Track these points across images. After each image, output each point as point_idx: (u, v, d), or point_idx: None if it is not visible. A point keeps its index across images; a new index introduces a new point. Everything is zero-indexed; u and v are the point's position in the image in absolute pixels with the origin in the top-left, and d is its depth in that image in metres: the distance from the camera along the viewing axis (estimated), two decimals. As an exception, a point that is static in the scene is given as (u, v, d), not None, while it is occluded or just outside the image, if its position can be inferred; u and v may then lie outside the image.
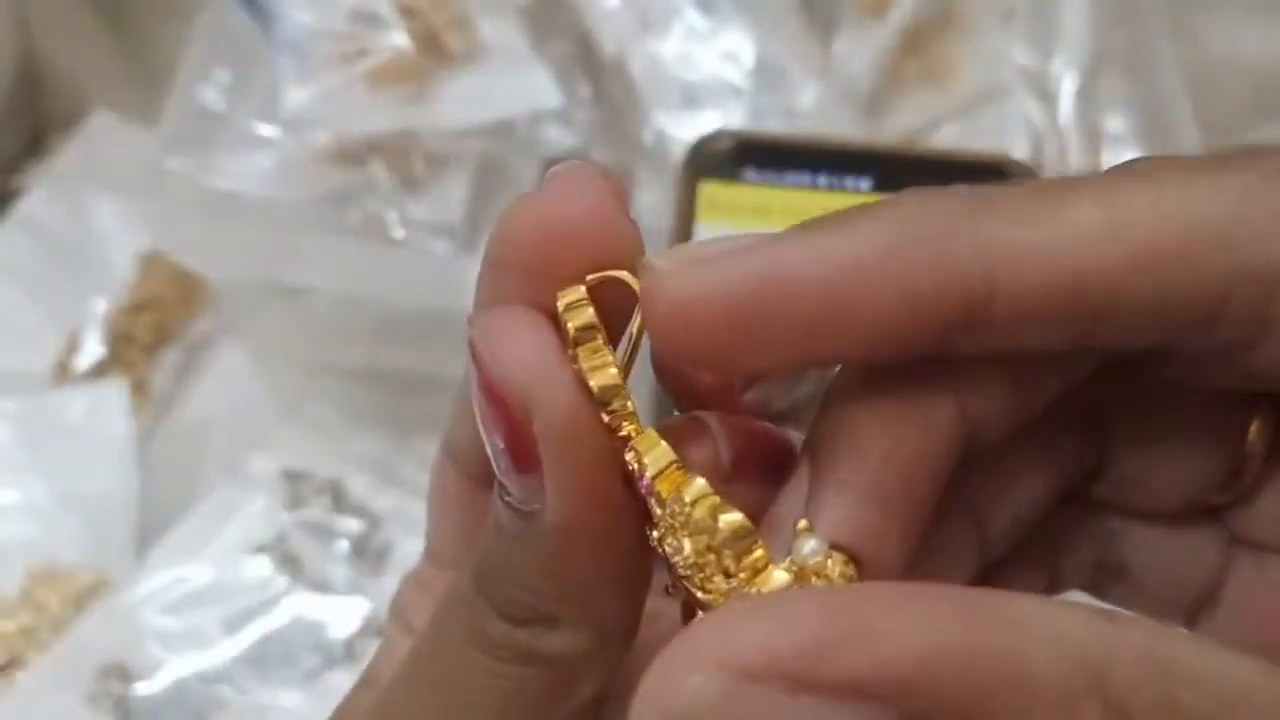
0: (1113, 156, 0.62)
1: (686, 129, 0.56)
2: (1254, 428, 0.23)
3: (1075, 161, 0.62)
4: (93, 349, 0.63)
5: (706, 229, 0.46)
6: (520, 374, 0.19)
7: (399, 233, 0.55)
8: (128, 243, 0.65)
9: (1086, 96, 0.63)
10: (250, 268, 0.56)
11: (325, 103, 0.57)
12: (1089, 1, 0.64)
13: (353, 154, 0.55)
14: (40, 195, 0.68)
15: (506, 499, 0.21)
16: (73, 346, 0.63)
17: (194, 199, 0.59)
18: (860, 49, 0.63)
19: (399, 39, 0.57)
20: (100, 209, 0.66)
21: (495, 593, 0.21)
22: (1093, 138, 0.63)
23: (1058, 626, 0.15)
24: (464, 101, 0.56)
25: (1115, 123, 0.63)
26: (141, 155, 0.63)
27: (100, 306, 0.64)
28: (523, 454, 0.19)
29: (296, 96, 0.59)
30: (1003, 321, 0.19)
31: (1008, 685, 0.15)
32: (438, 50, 0.57)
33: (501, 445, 0.20)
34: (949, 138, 0.59)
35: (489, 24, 0.58)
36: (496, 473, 0.20)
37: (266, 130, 0.59)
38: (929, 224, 0.19)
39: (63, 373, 0.63)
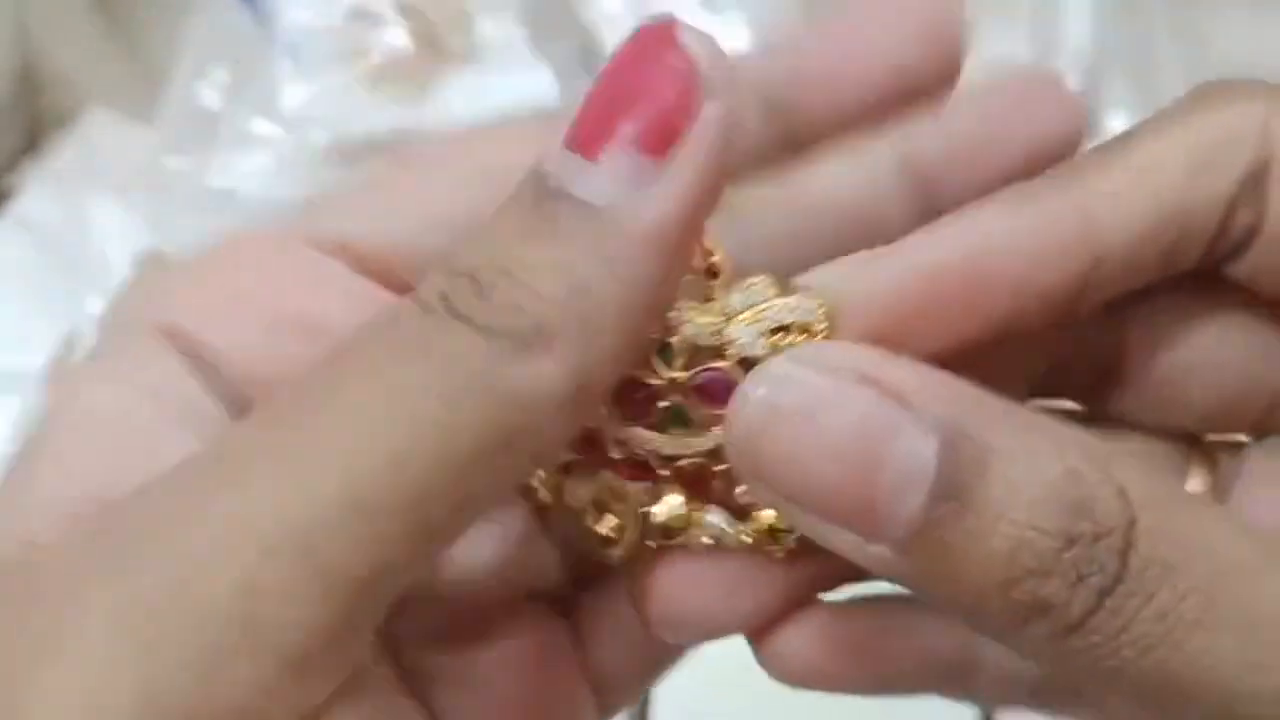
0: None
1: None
2: None
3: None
4: (90, 348, 0.63)
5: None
6: (716, 59, 0.19)
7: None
8: (125, 242, 0.65)
9: (1088, 96, 0.63)
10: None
11: (324, 102, 0.57)
12: (1091, 1, 0.64)
13: (351, 153, 0.55)
14: (37, 194, 0.67)
15: (581, 192, 0.19)
16: (70, 346, 0.63)
17: (192, 198, 0.59)
18: (861, 48, 0.63)
19: (398, 38, 0.56)
20: (98, 208, 0.66)
21: (485, 297, 0.18)
22: (1094, 137, 0.63)
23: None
24: (464, 100, 0.56)
25: (1117, 122, 0.63)
26: (139, 154, 0.63)
27: (97, 306, 0.64)
28: (666, 131, 0.19)
29: (295, 95, 0.58)
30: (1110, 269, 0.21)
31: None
32: (437, 49, 0.57)
33: (638, 120, 0.19)
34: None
35: (489, 23, 0.58)
36: (580, 155, 0.19)
37: (265, 129, 0.59)
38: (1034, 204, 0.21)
39: (60, 372, 0.62)
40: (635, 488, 0.22)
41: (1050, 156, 0.23)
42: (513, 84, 0.56)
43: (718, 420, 0.21)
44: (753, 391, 0.19)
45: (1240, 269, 0.23)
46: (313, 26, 0.57)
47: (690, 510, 0.22)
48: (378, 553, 0.18)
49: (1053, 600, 0.18)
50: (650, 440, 0.22)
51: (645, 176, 0.19)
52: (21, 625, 0.18)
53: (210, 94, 0.61)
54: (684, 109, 0.19)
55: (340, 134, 0.55)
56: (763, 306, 0.21)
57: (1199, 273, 0.23)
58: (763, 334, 0.21)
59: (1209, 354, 0.23)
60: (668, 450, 0.22)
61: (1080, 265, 0.21)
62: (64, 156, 0.68)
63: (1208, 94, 0.23)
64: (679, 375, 0.21)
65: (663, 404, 0.21)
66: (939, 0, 0.23)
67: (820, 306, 0.21)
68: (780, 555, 0.22)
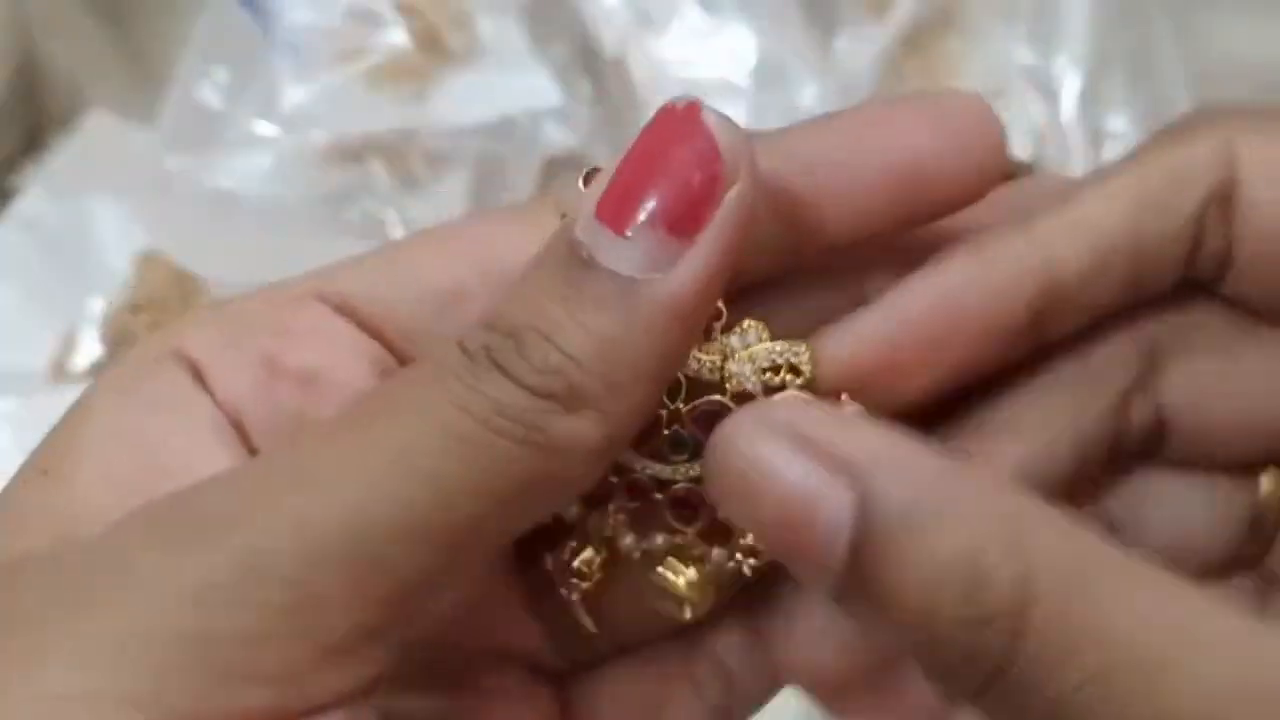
0: (1115, 155, 0.62)
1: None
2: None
3: (1077, 161, 0.62)
4: (90, 349, 0.63)
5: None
6: (738, 144, 0.21)
7: (398, 233, 0.55)
8: (126, 242, 0.65)
9: (1088, 96, 0.63)
10: (249, 268, 0.55)
11: (324, 102, 0.57)
12: (1091, 1, 0.64)
13: (352, 153, 0.55)
14: (38, 194, 0.67)
15: (610, 264, 0.20)
16: (70, 346, 0.63)
17: (192, 198, 0.59)
18: (861, 48, 0.63)
19: (398, 37, 0.56)
20: (98, 208, 0.66)
21: (525, 356, 0.20)
22: (1094, 137, 0.63)
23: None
24: (464, 101, 0.56)
25: (1117, 122, 0.63)
26: (140, 154, 0.63)
27: (98, 306, 0.64)
28: (689, 213, 0.20)
29: (295, 95, 0.58)
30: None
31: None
32: (437, 49, 0.57)
33: (664, 200, 0.21)
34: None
35: (489, 23, 0.58)
36: (609, 229, 0.21)
37: (265, 129, 0.59)
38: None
39: (60, 373, 0.62)
40: (715, 552, 0.25)
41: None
42: (512, 84, 0.56)
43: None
44: (714, 445, 0.21)
45: (1227, 289, 0.24)
46: (313, 26, 0.57)
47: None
48: (418, 567, 0.20)
49: (954, 672, 0.19)
50: (650, 465, 0.24)
51: (669, 253, 0.20)
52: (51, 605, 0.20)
53: (210, 94, 0.61)
54: (707, 191, 0.21)
55: (340, 134, 0.55)
56: (757, 348, 0.24)
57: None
58: (756, 371, 0.24)
59: (1243, 396, 0.25)
60: (666, 475, 0.24)
61: (1031, 298, 0.23)
62: (64, 157, 0.68)
63: (1175, 127, 0.25)
64: (682, 407, 0.24)
65: (666, 432, 0.24)
66: (976, 104, 0.24)
67: (806, 349, 0.24)
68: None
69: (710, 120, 0.21)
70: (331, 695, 0.20)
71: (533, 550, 0.26)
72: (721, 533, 0.25)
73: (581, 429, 0.21)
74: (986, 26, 0.65)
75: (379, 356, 0.24)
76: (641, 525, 0.25)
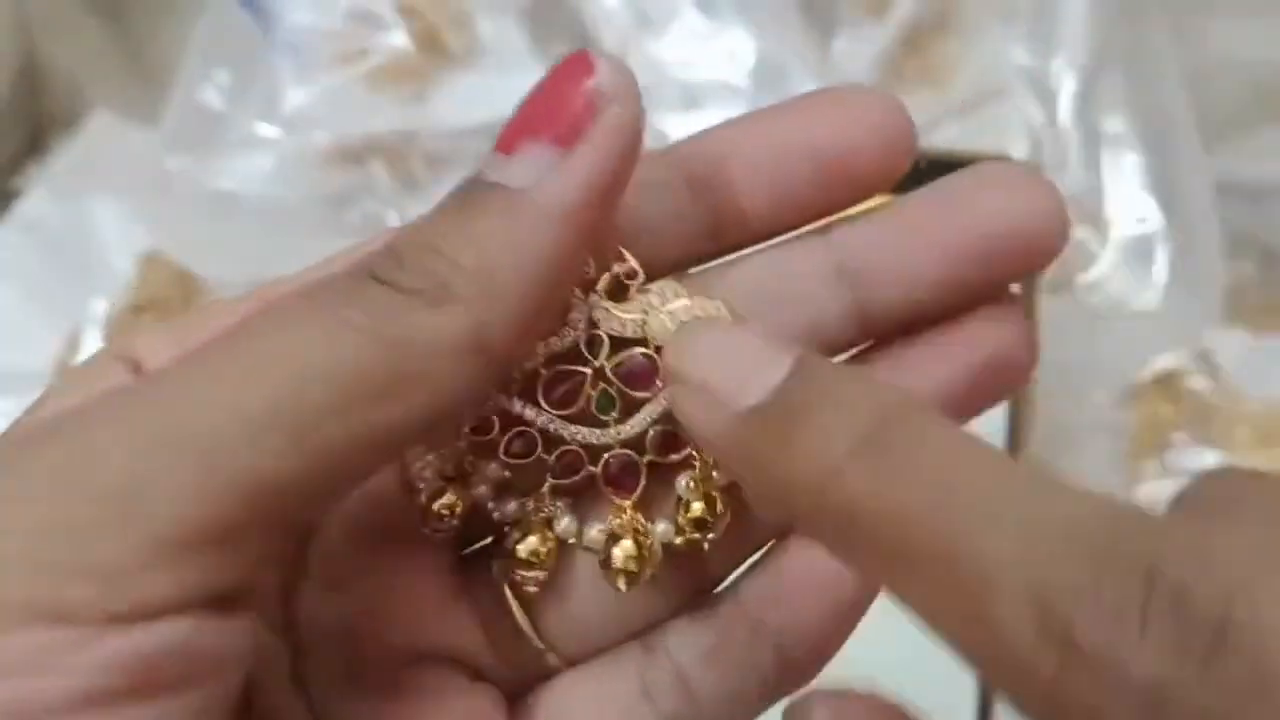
0: (1112, 156, 0.62)
1: (686, 129, 0.56)
2: None
3: (1075, 161, 0.62)
4: (93, 349, 0.63)
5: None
6: (620, 74, 0.22)
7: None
8: (128, 243, 0.65)
9: (1086, 96, 0.63)
10: (250, 268, 0.56)
11: (325, 103, 0.57)
12: (1089, 2, 0.64)
13: (353, 155, 0.55)
14: (40, 195, 0.67)
15: (492, 178, 0.22)
16: (73, 347, 0.63)
17: (194, 199, 0.59)
18: (860, 49, 0.63)
19: (399, 39, 0.57)
20: (100, 209, 0.66)
21: (405, 267, 0.21)
22: (1092, 137, 0.63)
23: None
24: (464, 102, 0.56)
25: (1115, 123, 0.63)
26: (141, 155, 0.63)
27: (100, 307, 0.64)
28: (570, 127, 0.22)
29: (296, 97, 0.59)
30: None
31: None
32: (437, 50, 0.57)
33: (548, 120, 0.22)
34: (949, 138, 0.59)
35: (489, 24, 0.58)
36: (502, 153, 0.22)
37: (266, 130, 0.59)
38: None
39: (63, 373, 0.62)
40: (661, 527, 0.25)
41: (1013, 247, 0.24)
42: (513, 85, 0.56)
43: (639, 404, 0.24)
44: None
45: None
46: (313, 28, 0.57)
47: (637, 535, 0.25)
48: (266, 458, 0.19)
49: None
50: (580, 431, 0.24)
51: (552, 164, 0.21)
52: None
53: (212, 96, 0.61)
54: (587, 109, 0.22)
55: (341, 135, 0.55)
56: (675, 304, 0.24)
57: None
58: (677, 324, 0.24)
59: None
60: (596, 440, 0.24)
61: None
62: (66, 158, 0.68)
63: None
64: (606, 364, 0.24)
65: (593, 392, 0.24)
66: (888, 100, 0.24)
67: (722, 304, 0.24)
68: (705, 549, 0.24)
69: (595, 58, 0.22)
70: (162, 599, 0.19)
71: (480, 561, 0.26)
72: (659, 502, 0.25)
73: (443, 322, 0.20)
74: (984, 27, 0.65)
75: None
76: (580, 507, 0.25)
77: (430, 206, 0.22)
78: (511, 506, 0.25)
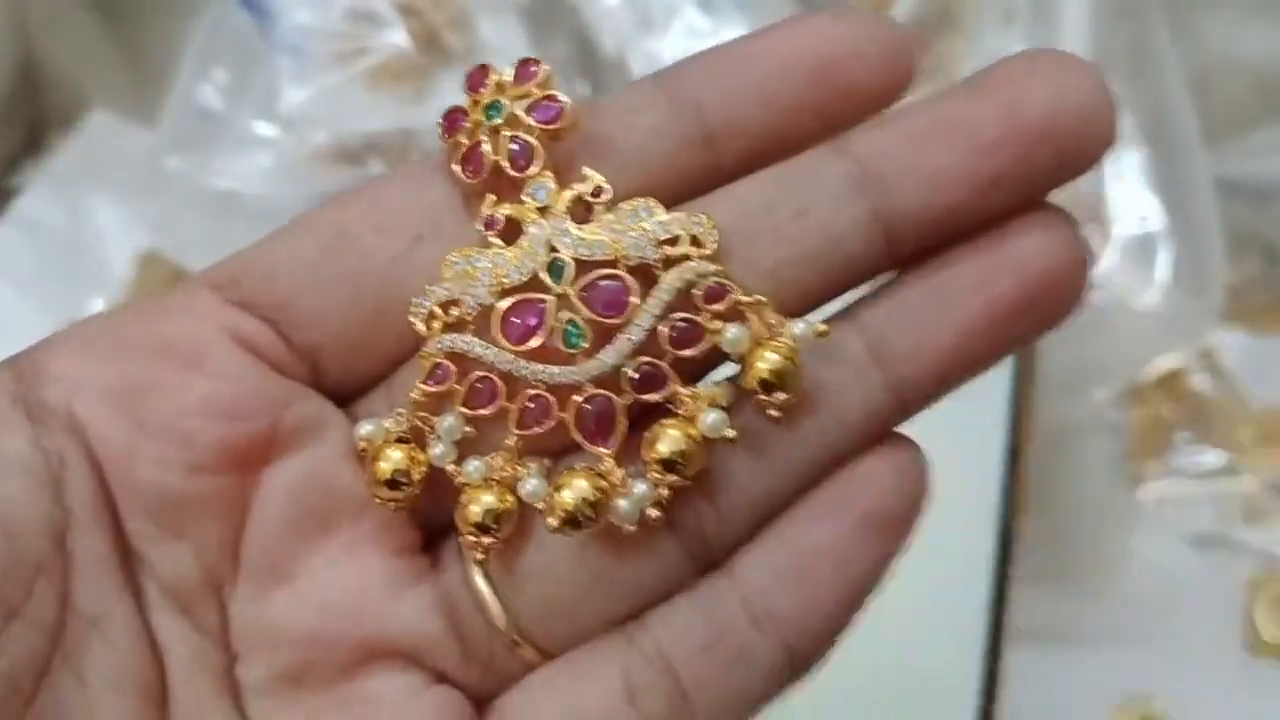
0: (1114, 155, 0.62)
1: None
2: None
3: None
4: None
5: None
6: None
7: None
8: (126, 243, 0.65)
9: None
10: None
11: (324, 102, 0.57)
12: (1089, 1, 0.64)
13: (351, 154, 0.55)
14: (38, 195, 0.67)
15: None
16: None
17: (193, 199, 0.59)
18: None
19: (398, 38, 0.57)
20: (98, 209, 0.66)
21: None
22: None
23: None
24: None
25: (1115, 122, 0.63)
26: (140, 155, 0.63)
27: (98, 306, 0.64)
28: None
29: (295, 96, 0.59)
30: None
31: None
32: (437, 49, 0.57)
33: None
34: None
35: (488, 23, 0.58)
36: None
37: (265, 130, 0.59)
38: None
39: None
40: (639, 487, 0.21)
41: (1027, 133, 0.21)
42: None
43: (609, 333, 0.21)
44: None
45: None
46: (312, 27, 0.57)
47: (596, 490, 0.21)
48: None
49: None
50: (543, 370, 0.21)
51: None
52: None
53: (211, 95, 0.61)
54: None
55: (340, 134, 0.55)
56: (650, 222, 0.21)
57: None
58: (653, 242, 0.21)
59: None
60: (563, 378, 0.21)
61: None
62: (65, 157, 0.68)
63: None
64: (570, 289, 0.21)
65: (555, 322, 0.21)
66: (885, 20, 0.22)
67: (708, 220, 0.21)
68: (666, 502, 0.21)
69: None
70: None
71: (446, 539, 0.23)
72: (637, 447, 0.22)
73: None
74: (986, 26, 0.65)
75: (243, 328, 0.22)
76: (559, 470, 0.22)
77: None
78: (473, 466, 0.22)
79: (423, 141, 0.55)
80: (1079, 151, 0.21)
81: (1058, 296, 0.21)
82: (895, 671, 0.47)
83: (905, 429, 0.23)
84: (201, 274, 0.23)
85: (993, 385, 0.46)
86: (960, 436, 0.46)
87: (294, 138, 0.58)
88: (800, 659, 0.22)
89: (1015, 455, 0.46)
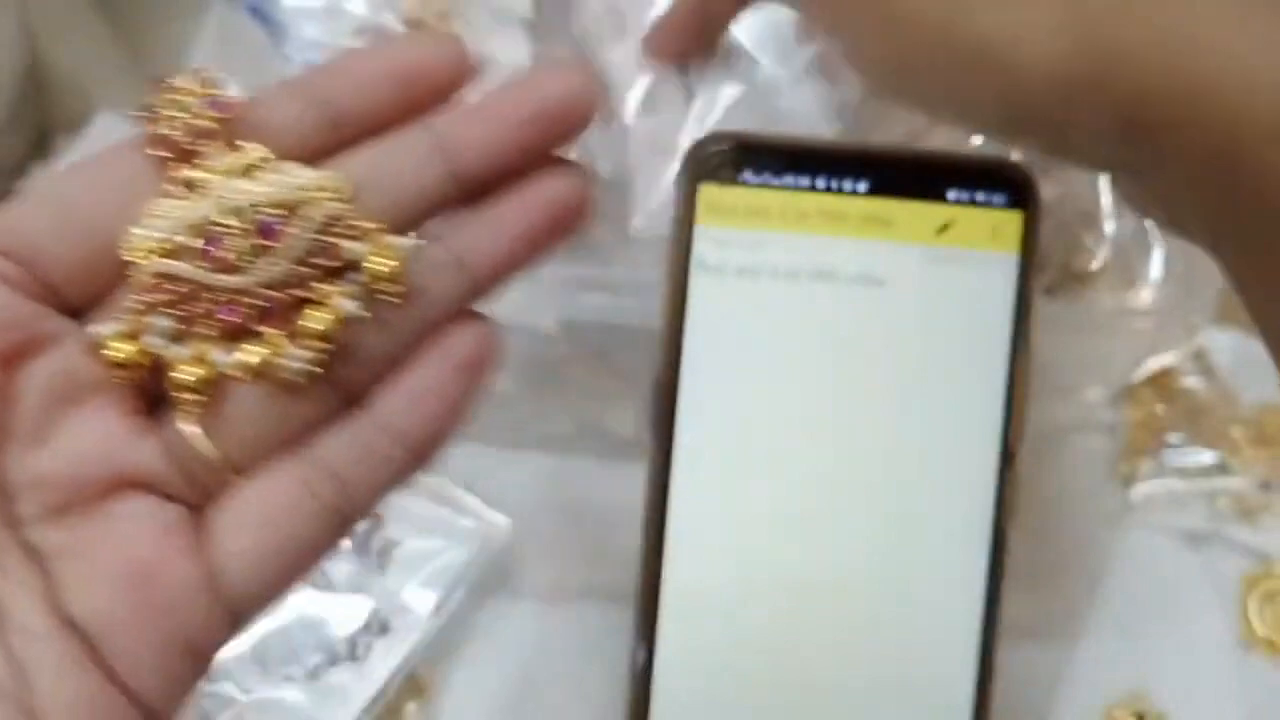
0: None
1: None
2: None
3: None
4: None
5: (706, 231, 0.47)
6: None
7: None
8: (133, 245, 0.66)
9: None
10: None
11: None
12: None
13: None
14: (45, 197, 0.68)
15: None
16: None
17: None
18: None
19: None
20: (105, 211, 0.66)
21: None
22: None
23: None
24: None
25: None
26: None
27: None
28: None
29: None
30: None
31: None
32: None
33: None
34: (948, 137, 0.59)
35: (494, 34, 0.59)
36: None
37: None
38: None
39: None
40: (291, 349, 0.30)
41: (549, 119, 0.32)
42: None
43: (272, 252, 0.30)
44: None
45: None
46: (322, 41, 0.57)
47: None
48: None
49: None
50: (228, 281, 0.30)
51: None
52: None
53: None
54: None
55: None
56: (299, 174, 0.30)
57: None
58: (299, 190, 0.30)
59: None
60: (243, 284, 0.30)
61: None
62: (72, 160, 0.69)
63: None
64: (241, 224, 0.30)
65: (234, 248, 0.30)
66: (451, 37, 0.33)
67: (337, 174, 0.30)
68: (321, 363, 0.30)
69: None
70: None
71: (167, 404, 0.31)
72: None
73: None
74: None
75: (2, 268, 0.30)
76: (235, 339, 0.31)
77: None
78: (181, 349, 0.30)
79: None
80: (573, 124, 0.32)
81: (572, 214, 0.33)
82: (890, 669, 0.47)
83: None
84: None
85: (986, 384, 0.47)
86: (954, 435, 0.47)
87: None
88: (420, 458, 0.32)
89: (1009, 456, 0.47)
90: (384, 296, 0.31)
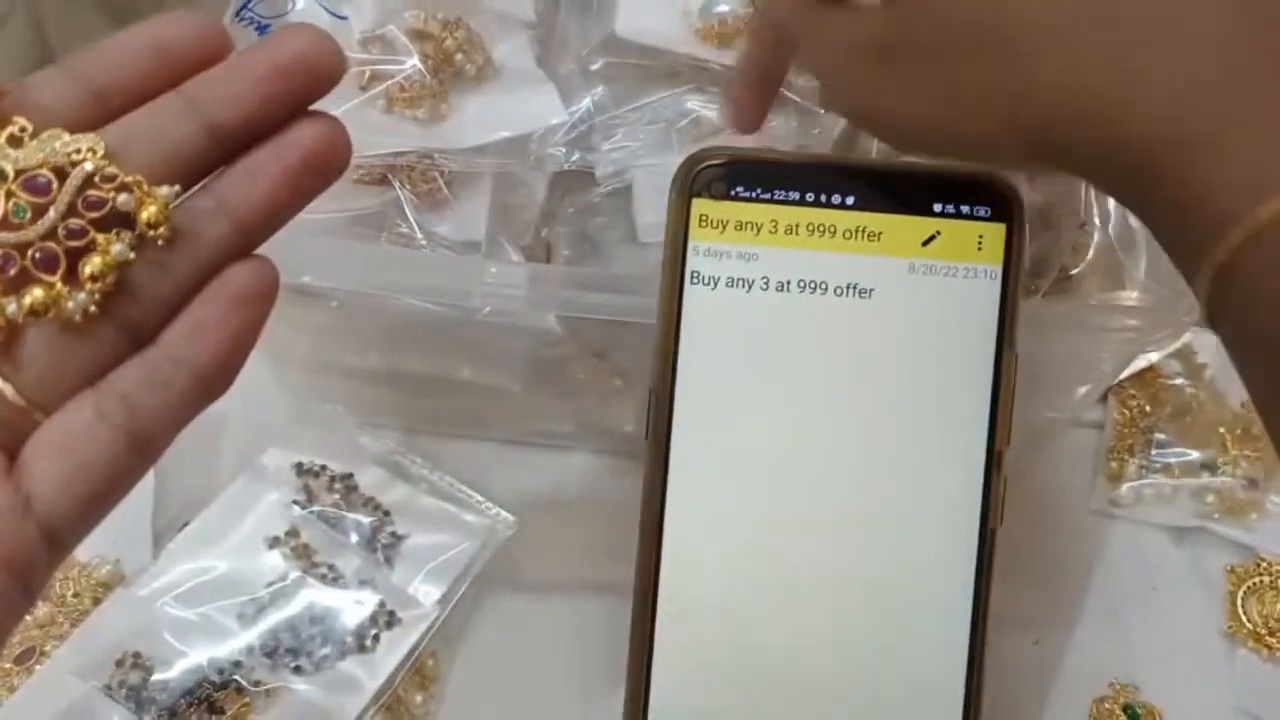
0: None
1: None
2: None
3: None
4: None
5: (699, 245, 0.47)
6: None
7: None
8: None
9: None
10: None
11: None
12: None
13: (373, 175, 0.56)
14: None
15: None
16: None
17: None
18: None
19: (413, 63, 0.57)
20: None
21: None
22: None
23: None
24: (479, 122, 0.57)
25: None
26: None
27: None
28: None
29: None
30: None
31: None
32: (451, 73, 0.58)
33: None
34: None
35: (501, 46, 0.59)
36: None
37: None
38: None
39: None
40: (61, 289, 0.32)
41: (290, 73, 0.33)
42: (526, 104, 0.58)
43: (45, 209, 0.31)
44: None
45: None
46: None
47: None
48: None
49: None
50: (8, 237, 0.31)
51: None
52: None
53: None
54: None
55: (357, 158, 0.56)
56: (60, 141, 0.32)
57: None
58: (63, 153, 0.32)
59: None
60: (20, 239, 0.31)
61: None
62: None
63: None
64: (14, 186, 0.31)
65: (9, 208, 0.31)
66: (204, 16, 0.34)
67: (96, 136, 0.32)
68: (98, 304, 0.32)
69: None
70: None
71: None
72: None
73: None
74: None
75: None
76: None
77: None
78: None
79: (441, 163, 0.56)
80: (317, 77, 0.33)
81: (326, 159, 0.34)
82: (882, 665, 0.48)
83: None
84: None
85: (973, 391, 0.47)
86: (942, 441, 0.48)
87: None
88: (208, 387, 0.33)
89: (996, 459, 0.47)
90: (154, 241, 0.32)
